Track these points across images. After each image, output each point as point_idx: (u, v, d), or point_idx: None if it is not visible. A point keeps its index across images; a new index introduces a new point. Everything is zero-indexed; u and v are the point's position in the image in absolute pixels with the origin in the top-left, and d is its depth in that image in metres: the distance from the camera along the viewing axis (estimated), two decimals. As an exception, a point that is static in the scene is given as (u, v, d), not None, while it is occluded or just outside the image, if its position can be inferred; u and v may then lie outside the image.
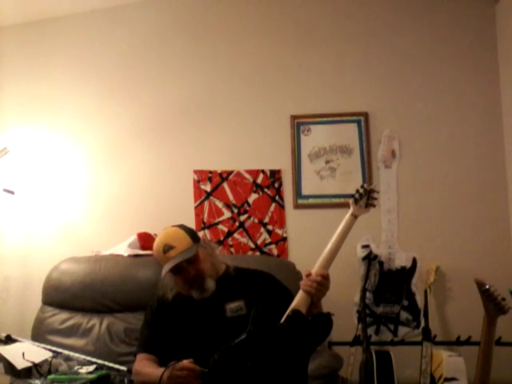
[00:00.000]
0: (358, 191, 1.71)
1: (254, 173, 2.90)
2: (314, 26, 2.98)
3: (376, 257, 2.70)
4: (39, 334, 2.47)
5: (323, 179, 2.86)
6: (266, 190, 2.88)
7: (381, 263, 2.73)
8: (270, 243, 2.84)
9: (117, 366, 2.06)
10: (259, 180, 2.89)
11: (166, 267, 1.72)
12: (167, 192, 2.93)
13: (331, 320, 1.57)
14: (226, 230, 2.86)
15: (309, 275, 1.62)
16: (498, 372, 1.92)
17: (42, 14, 3.09)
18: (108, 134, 3.03)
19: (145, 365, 1.77)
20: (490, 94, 2.83)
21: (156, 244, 1.79)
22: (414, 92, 2.88)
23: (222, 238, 2.86)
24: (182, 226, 1.86)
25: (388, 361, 2.44)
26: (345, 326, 2.67)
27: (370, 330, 2.66)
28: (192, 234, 1.84)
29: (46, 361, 2.07)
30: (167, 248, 1.73)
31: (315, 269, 1.65)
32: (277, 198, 2.87)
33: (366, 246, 2.73)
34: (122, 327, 2.42)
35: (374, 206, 1.73)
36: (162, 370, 1.60)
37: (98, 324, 2.45)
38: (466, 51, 2.87)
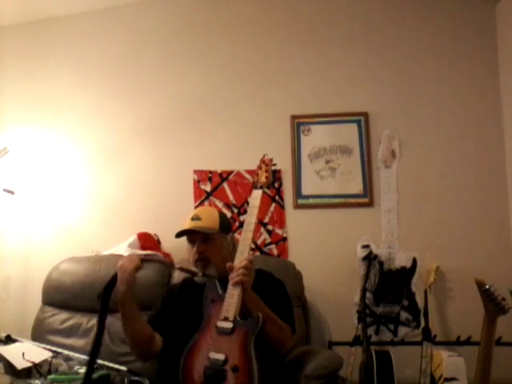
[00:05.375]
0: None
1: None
2: (314, 26, 2.98)
3: (376, 257, 2.70)
4: (39, 334, 2.47)
5: (323, 179, 2.86)
6: (266, 189, 2.87)
7: (381, 263, 2.73)
8: (270, 243, 2.84)
9: (117, 366, 2.06)
10: (259, 180, 2.88)
11: (184, 228, 1.87)
12: (167, 192, 2.93)
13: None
14: (226, 230, 2.86)
15: (231, 268, 1.68)
16: (498, 372, 1.92)
17: (42, 14, 3.09)
18: (108, 134, 3.03)
19: None
20: (489, 93, 2.83)
21: (192, 212, 1.95)
22: (414, 92, 2.88)
23: (222, 238, 2.85)
24: (223, 214, 2.02)
25: (388, 361, 2.44)
26: (345, 326, 2.68)
27: (370, 330, 2.66)
28: (225, 223, 1.95)
29: (45, 361, 2.06)
30: (195, 217, 1.89)
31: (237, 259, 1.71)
32: (277, 198, 2.87)
33: (366, 246, 2.73)
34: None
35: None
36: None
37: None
38: (466, 51, 2.87)
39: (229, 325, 1.60)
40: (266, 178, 1.90)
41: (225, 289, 1.69)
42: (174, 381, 1.67)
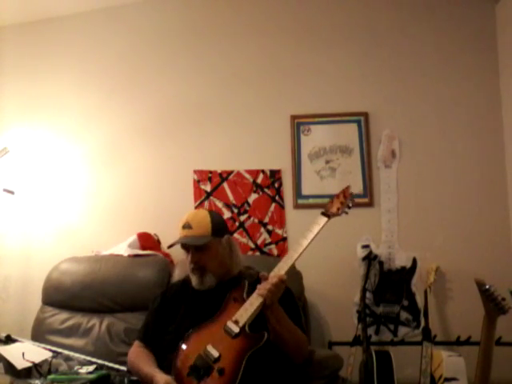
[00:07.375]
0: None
1: (254, 173, 2.90)
2: (314, 26, 2.98)
3: (376, 257, 2.70)
4: (39, 334, 2.47)
5: (323, 179, 2.86)
6: (266, 190, 2.88)
7: (381, 263, 2.73)
8: (270, 243, 2.84)
9: (117, 366, 2.06)
10: (259, 180, 2.89)
11: (175, 240, 1.83)
12: (167, 192, 2.93)
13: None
14: (226, 229, 2.86)
15: (264, 278, 1.68)
16: (498, 372, 1.92)
17: (42, 13, 3.09)
18: (108, 134, 3.03)
19: (140, 358, 1.83)
20: (489, 93, 2.83)
21: (183, 217, 1.87)
22: (414, 92, 2.88)
23: (222, 238, 2.85)
24: (215, 216, 1.91)
25: (388, 361, 2.44)
26: (345, 326, 2.68)
27: (370, 330, 2.66)
28: (217, 226, 1.86)
29: (45, 361, 2.07)
30: (186, 225, 1.82)
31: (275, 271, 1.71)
32: (277, 198, 2.87)
33: (366, 246, 2.74)
34: (122, 327, 2.42)
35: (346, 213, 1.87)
36: (155, 372, 1.69)
37: (97, 324, 2.45)
38: (466, 51, 2.87)
39: (236, 329, 1.63)
40: (338, 209, 1.83)
41: (250, 294, 1.70)
42: (168, 356, 1.70)
